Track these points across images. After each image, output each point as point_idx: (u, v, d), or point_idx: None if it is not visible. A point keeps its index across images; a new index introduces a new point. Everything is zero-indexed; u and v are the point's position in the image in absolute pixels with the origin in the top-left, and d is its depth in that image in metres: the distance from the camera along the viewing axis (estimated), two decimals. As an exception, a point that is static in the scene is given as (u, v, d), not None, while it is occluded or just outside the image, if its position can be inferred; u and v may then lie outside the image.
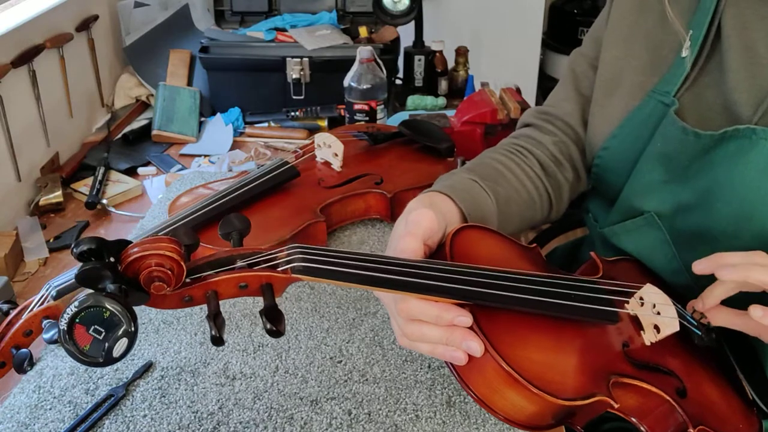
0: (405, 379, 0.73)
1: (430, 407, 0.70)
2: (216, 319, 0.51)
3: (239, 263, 0.53)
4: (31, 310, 0.79)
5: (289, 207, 0.95)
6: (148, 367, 0.75)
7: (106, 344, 0.47)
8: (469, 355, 0.55)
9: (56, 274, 0.87)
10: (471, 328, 0.54)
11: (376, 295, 0.62)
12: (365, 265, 0.55)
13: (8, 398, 0.72)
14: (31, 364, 0.76)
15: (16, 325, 0.77)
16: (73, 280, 0.81)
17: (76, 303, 0.46)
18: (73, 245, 0.48)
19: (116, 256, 0.49)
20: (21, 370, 0.75)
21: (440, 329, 0.55)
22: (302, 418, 0.69)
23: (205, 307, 0.87)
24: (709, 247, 0.64)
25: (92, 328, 0.46)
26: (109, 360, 0.47)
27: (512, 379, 0.52)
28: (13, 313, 0.80)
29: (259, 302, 0.85)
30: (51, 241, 1.03)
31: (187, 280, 0.52)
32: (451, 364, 0.57)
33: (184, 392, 0.72)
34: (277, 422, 0.68)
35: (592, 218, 0.87)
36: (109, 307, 0.46)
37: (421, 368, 0.74)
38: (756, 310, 0.57)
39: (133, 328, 0.47)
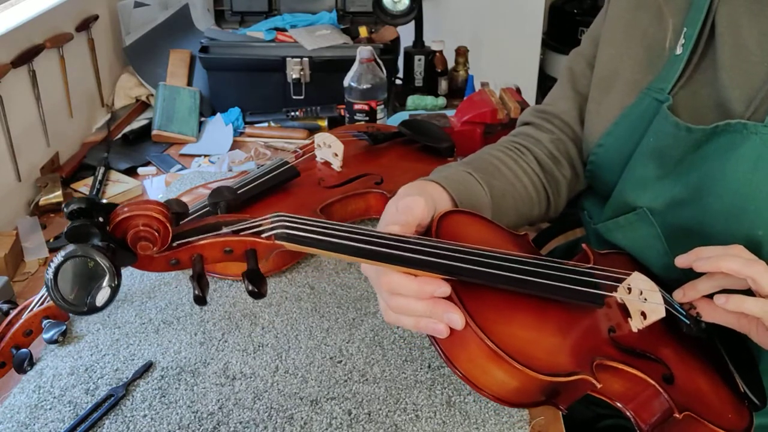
0: (405, 379, 0.73)
1: (430, 407, 0.70)
2: (200, 280, 0.53)
3: (225, 230, 0.55)
4: (31, 310, 0.80)
5: (289, 207, 0.95)
6: (148, 367, 0.75)
7: (90, 293, 0.48)
8: (453, 331, 0.55)
9: (56, 274, 0.87)
10: (453, 301, 0.55)
11: (362, 270, 0.62)
12: (349, 236, 0.56)
13: (8, 398, 0.72)
14: (31, 364, 0.76)
15: (16, 325, 0.77)
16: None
17: (63, 253, 0.48)
18: (63, 204, 0.50)
19: (105, 217, 0.51)
20: (21, 370, 0.75)
21: (423, 303, 0.56)
22: (302, 418, 0.69)
23: (204, 307, 0.87)
24: (701, 243, 0.64)
25: (76, 277, 0.48)
26: (93, 309, 0.49)
27: (493, 353, 0.53)
28: (13, 313, 0.80)
29: (259, 302, 0.85)
30: (51, 241, 1.03)
31: (174, 244, 0.54)
32: (436, 341, 0.57)
33: (184, 392, 0.72)
34: (277, 422, 0.68)
35: (587, 215, 0.88)
36: (93, 257, 0.48)
37: (421, 368, 0.74)
38: (719, 298, 0.60)
39: (116, 282, 0.49)
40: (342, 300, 0.85)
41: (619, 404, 0.60)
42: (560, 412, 0.70)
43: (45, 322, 0.79)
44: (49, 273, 0.48)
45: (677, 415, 0.58)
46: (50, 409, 0.70)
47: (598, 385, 0.55)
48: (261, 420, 0.69)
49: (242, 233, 0.55)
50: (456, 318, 0.54)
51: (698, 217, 0.68)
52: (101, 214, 0.50)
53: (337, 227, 0.57)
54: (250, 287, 0.53)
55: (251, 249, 0.55)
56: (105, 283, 0.48)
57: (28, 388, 0.73)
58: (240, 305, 0.85)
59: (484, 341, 0.53)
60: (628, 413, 0.60)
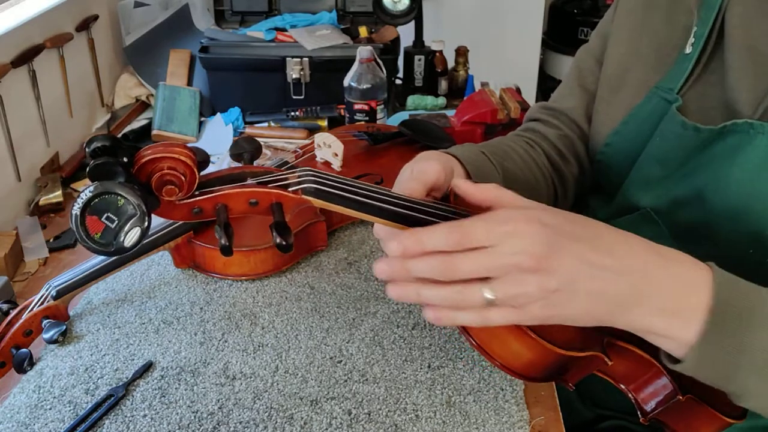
0: (405, 379, 0.73)
1: (430, 407, 0.70)
2: (226, 229, 0.51)
3: (250, 180, 0.53)
4: (31, 310, 0.79)
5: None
6: (148, 367, 0.75)
7: (118, 233, 0.46)
8: None
9: (56, 274, 0.87)
10: None
11: (375, 232, 0.60)
12: (375, 196, 0.55)
13: (8, 398, 0.72)
14: (31, 364, 0.76)
15: (16, 325, 0.77)
16: (74, 279, 0.81)
17: (91, 188, 0.45)
18: (85, 142, 0.47)
19: (129, 158, 0.48)
20: (21, 370, 0.75)
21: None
22: (302, 418, 0.69)
23: (203, 306, 0.87)
24: (710, 240, 0.64)
25: (105, 216, 0.45)
26: (120, 249, 0.46)
27: (515, 325, 0.53)
28: (13, 313, 0.80)
29: (259, 302, 0.85)
30: (51, 241, 1.03)
31: (197, 193, 0.52)
32: None
33: (184, 392, 0.72)
34: (277, 422, 0.68)
35: (591, 212, 0.88)
36: (124, 194, 0.45)
37: (421, 368, 0.74)
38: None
39: (146, 224, 0.46)
40: (342, 300, 0.85)
41: (623, 386, 0.61)
42: (560, 413, 0.70)
43: (45, 322, 0.79)
44: (76, 209, 0.45)
45: (680, 398, 0.58)
46: (50, 409, 0.70)
47: (609, 362, 0.55)
48: (261, 420, 0.69)
49: (270, 185, 0.53)
50: None
51: (704, 216, 0.67)
52: (125, 154, 0.47)
53: (364, 187, 0.56)
54: (278, 239, 0.51)
55: (277, 202, 0.53)
56: (134, 222, 0.45)
57: (28, 388, 0.73)
58: (240, 305, 0.85)
59: None
60: (631, 395, 0.61)
